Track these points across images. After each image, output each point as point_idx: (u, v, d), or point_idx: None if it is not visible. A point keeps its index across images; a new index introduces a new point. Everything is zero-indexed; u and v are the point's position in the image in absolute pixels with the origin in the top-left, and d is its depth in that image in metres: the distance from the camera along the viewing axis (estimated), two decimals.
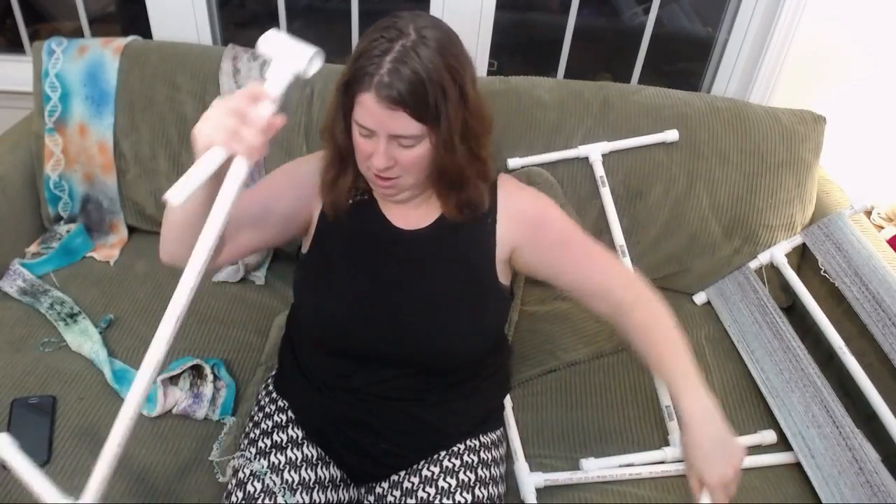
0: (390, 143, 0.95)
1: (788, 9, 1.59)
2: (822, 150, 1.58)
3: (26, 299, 1.47)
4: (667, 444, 1.30)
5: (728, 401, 1.39)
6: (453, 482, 1.08)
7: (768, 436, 1.32)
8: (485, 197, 1.07)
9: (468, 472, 1.11)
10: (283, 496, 1.05)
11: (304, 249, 1.16)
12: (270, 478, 1.07)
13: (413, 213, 1.11)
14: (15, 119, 1.76)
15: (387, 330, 1.08)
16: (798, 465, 1.27)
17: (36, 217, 1.70)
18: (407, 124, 0.93)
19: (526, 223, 1.10)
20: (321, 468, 1.13)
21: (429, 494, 1.07)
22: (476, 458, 1.13)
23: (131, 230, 1.72)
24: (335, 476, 1.14)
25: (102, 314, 1.45)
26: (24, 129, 1.69)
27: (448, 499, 1.06)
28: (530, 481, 1.20)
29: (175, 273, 1.57)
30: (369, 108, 0.92)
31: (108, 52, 1.62)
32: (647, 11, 1.77)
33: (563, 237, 1.11)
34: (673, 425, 1.31)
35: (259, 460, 1.10)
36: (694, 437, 0.96)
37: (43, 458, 1.15)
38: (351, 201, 1.10)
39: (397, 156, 0.96)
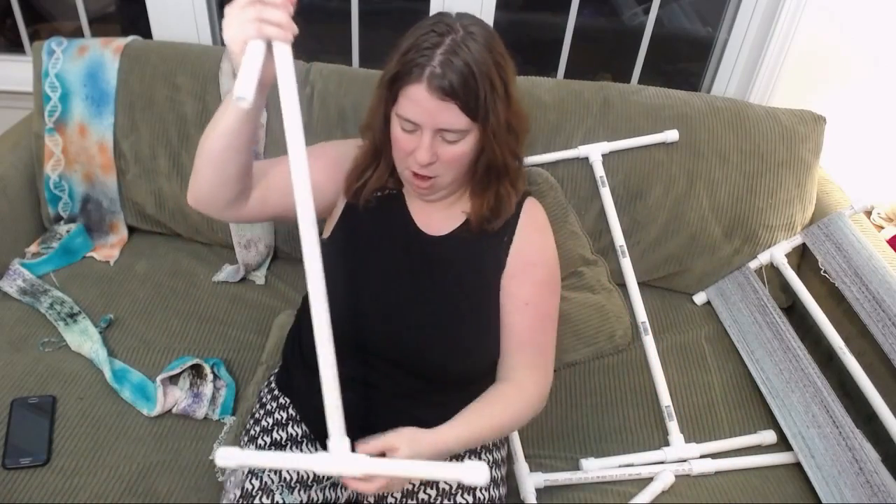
0: (435, 137, 0.96)
1: (788, 9, 1.59)
2: (822, 150, 1.59)
3: (26, 299, 1.47)
4: (667, 444, 1.30)
5: (728, 401, 1.39)
6: (454, 483, 1.08)
7: (768, 436, 1.32)
8: (512, 204, 1.08)
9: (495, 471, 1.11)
10: (280, 494, 1.05)
11: (326, 235, 1.16)
12: (269, 475, 1.07)
13: (437, 216, 1.11)
14: (15, 119, 1.76)
15: (393, 330, 1.08)
16: (798, 466, 1.27)
17: (36, 217, 1.70)
18: (456, 118, 0.94)
19: (525, 257, 1.09)
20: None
21: (430, 496, 1.07)
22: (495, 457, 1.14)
23: (131, 230, 1.72)
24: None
25: (102, 314, 1.45)
26: (24, 129, 1.69)
27: (449, 500, 1.06)
28: (530, 481, 1.20)
29: (175, 273, 1.58)
30: (418, 101, 0.93)
31: (108, 52, 1.62)
32: (647, 11, 1.77)
33: (533, 298, 1.08)
34: (673, 425, 1.31)
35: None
36: (412, 448, 0.94)
37: (42, 458, 1.15)
38: (379, 194, 1.12)
39: (440, 151, 0.98)
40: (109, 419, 1.24)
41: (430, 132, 0.95)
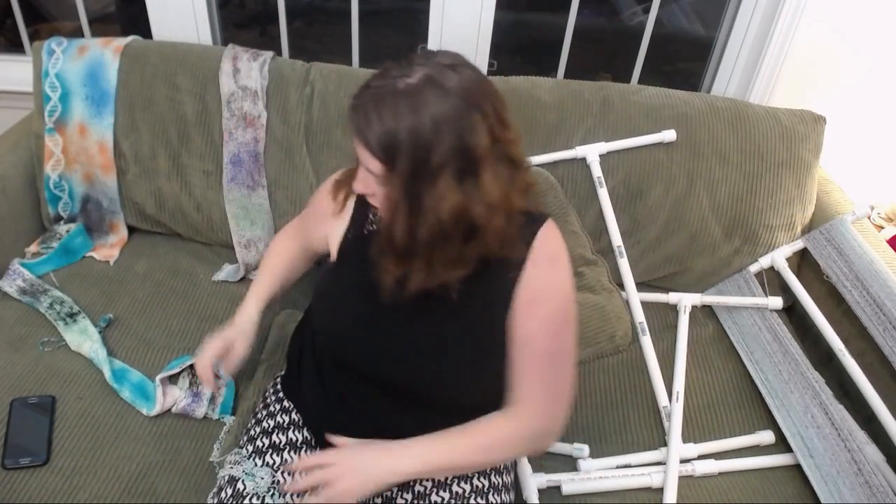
0: (365, 171, 0.90)
1: (788, 9, 1.59)
2: (822, 150, 1.59)
3: (26, 299, 1.47)
4: (665, 444, 1.30)
5: (727, 401, 1.39)
6: (467, 487, 1.08)
7: (766, 436, 1.32)
8: (503, 249, 0.95)
9: (481, 478, 1.10)
10: (271, 497, 1.04)
11: (332, 258, 1.14)
12: (262, 477, 1.07)
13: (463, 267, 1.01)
14: (15, 119, 1.76)
15: (387, 358, 1.04)
16: (798, 467, 1.27)
17: (36, 217, 1.70)
18: (369, 160, 0.86)
19: (531, 294, 0.98)
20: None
21: (443, 499, 1.07)
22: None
23: (131, 230, 1.72)
24: None
25: (102, 314, 1.45)
26: (24, 129, 1.69)
27: (461, 503, 1.06)
28: (533, 482, 1.20)
29: (175, 272, 1.59)
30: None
31: (108, 52, 1.62)
32: (646, 11, 1.77)
33: (538, 334, 0.99)
34: (670, 425, 1.31)
35: (254, 459, 1.10)
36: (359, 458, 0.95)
37: (42, 457, 1.15)
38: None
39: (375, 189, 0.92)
40: (109, 419, 1.24)
41: (362, 164, 0.90)
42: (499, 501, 1.09)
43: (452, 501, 1.06)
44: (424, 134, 0.81)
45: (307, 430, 1.15)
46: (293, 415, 1.17)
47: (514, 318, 0.99)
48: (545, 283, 0.98)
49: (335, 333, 1.08)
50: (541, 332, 0.99)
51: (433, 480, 1.09)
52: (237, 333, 1.16)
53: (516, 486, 1.20)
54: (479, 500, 1.07)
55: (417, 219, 0.86)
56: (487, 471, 1.12)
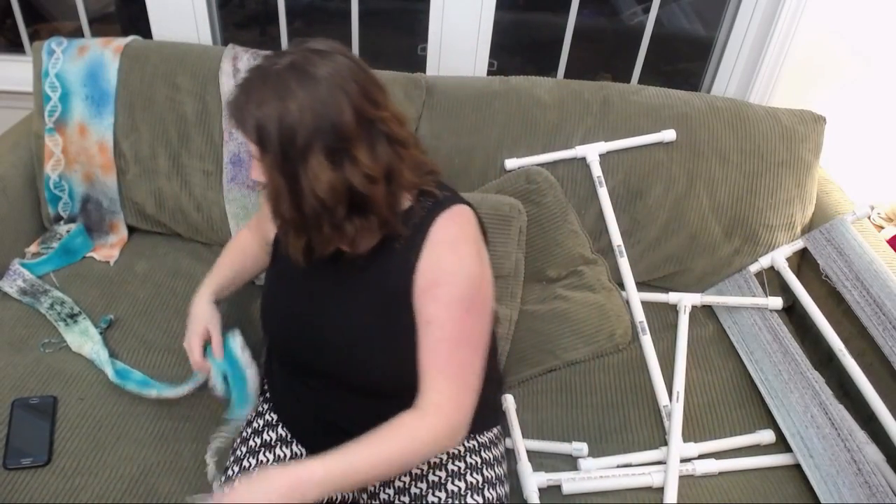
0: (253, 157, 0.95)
1: (788, 9, 1.60)
2: (822, 150, 1.59)
3: (26, 299, 1.47)
4: (665, 444, 1.30)
5: (728, 401, 1.39)
6: (462, 485, 1.09)
7: (766, 435, 1.32)
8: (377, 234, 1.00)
9: (475, 474, 1.11)
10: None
11: (271, 255, 1.20)
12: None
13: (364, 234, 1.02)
14: (15, 119, 1.76)
15: (312, 348, 1.08)
16: (797, 467, 1.27)
17: (36, 217, 1.70)
18: (249, 144, 0.92)
19: (429, 275, 0.99)
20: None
21: (439, 499, 1.07)
22: (479, 459, 1.13)
23: (131, 230, 1.72)
24: None
25: (102, 314, 1.45)
26: (24, 129, 1.69)
27: (459, 501, 1.06)
28: (533, 481, 1.20)
29: (175, 273, 1.58)
30: None
31: (108, 52, 1.62)
32: (646, 11, 1.77)
33: (438, 318, 0.98)
34: (671, 425, 1.31)
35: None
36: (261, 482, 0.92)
37: (44, 458, 1.15)
38: None
39: None
40: (110, 420, 1.24)
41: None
42: (494, 495, 1.10)
43: (449, 501, 1.07)
44: (287, 118, 0.86)
45: (296, 445, 1.16)
46: (280, 430, 1.18)
47: (416, 301, 1.00)
48: (444, 266, 0.98)
49: (273, 329, 1.14)
50: (442, 316, 0.98)
51: (426, 481, 1.09)
52: (205, 321, 1.20)
53: (512, 482, 1.21)
54: (475, 497, 1.08)
55: (299, 197, 0.91)
56: (479, 465, 1.12)
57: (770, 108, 1.60)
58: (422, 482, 1.10)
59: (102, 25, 2.03)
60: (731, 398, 1.40)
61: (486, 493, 1.09)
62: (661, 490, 1.21)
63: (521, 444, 1.27)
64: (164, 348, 1.41)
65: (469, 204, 1.06)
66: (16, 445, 1.16)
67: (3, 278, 1.52)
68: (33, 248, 1.62)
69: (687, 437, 1.31)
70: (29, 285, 1.50)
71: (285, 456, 1.14)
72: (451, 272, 0.98)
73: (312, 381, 1.12)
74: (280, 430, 1.17)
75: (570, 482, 1.21)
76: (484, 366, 1.02)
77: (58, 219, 1.69)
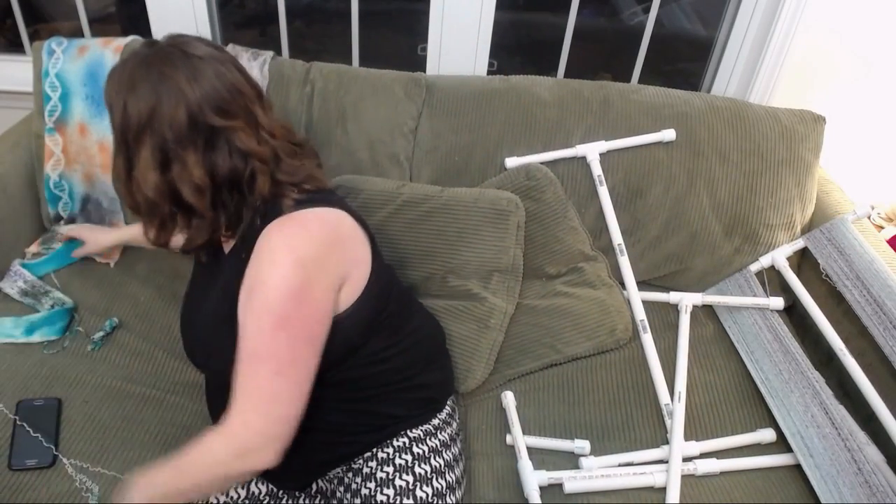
0: None
1: (788, 9, 1.60)
2: (822, 150, 1.59)
3: (27, 300, 1.47)
4: (666, 442, 1.31)
5: (728, 400, 1.40)
6: (410, 479, 1.10)
7: (767, 434, 1.32)
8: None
9: (425, 487, 1.11)
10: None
11: None
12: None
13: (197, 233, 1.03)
14: (15, 119, 1.76)
15: (189, 349, 1.13)
16: (798, 467, 1.27)
17: (36, 217, 1.69)
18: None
19: (247, 281, 0.97)
20: (254, 484, 1.16)
21: (388, 496, 1.08)
22: (430, 446, 1.15)
23: None
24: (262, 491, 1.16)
25: (104, 315, 1.46)
26: (24, 129, 1.69)
27: (409, 499, 1.08)
28: (534, 479, 1.20)
29: (175, 274, 1.58)
30: None
31: (108, 52, 1.62)
32: (646, 11, 1.78)
33: (244, 326, 0.95)
34: (672, 423, 1.32)
35: None
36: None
37: (48, 459, 1.15)
38: None
39: None
40: (114, 423, 1.24)
41: None
42: (444, 484, 1.12)
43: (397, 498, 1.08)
44: (128, 108, 0.92)
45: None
46: None
47: (239, 308, 0.97)
48: (258, 275, 0.94)
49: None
50: (250, 326, 0.94)
51: (394, 488, 1.09)
52: (95, 236, 1.54)
53: (512, 479, 1.22)
54: (424, 489, 1.09)
55: (131, 185, 0.97)
56: (441, 469, 1.13)
57: (770, 107, 1.60)
58: (371, 482, 1.10)
59: (102, 25, 2.03)
60: (732, 398, 1.41)
61: (435, 483, 1.10)
62: (662, 490, 1.22)
63: (522, 441, 1.27)
64: (165, 349, 1.41)
65: (355, 215, 1.07)
66: (20, 446, 1.16)
67: (4, 279, 1.52)
68: (34, 248, 1.62)
69: (688, 435, 1.31)
70: (30, 286, 1.50)
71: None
72: (263, 281, 0.93)
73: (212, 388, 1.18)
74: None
75: (572, 481, 1.21)
76: (302, 395, 0.96)
77: (58, 219, 1.69)
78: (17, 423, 1.19)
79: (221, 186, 0.96)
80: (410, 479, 1.09)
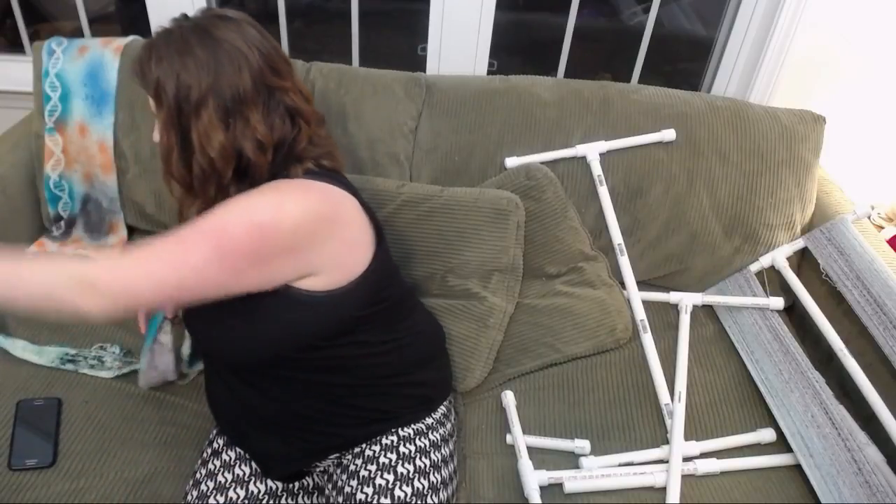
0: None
1: (788, 9, 1.60)
2: (822, 150, 1.59)
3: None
4: (667, 442, 1.31)
5: (728, 400, 1.40)
6: (409, 490, 1.09)
7: (767, 434, 1.32)
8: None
9: (422, 479, 1.11)
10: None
11: None
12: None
13: None
14: (15, 119, 1.76)
15: (198, 334, 1.12)
16: (798, 467, 1.27)
17: (36, 217, 1.69)
18: (149, 100, 0.99)
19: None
20: (253, 484, 1.15)
21: (388, 480, 1.08)
22: (418, 445, 1.15)
23: (131, 230, 1.72)
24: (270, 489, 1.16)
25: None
26: (24, 128, 1.69)
27: (386, 498, 1.07)
28: (534, 479, 1.20)
29: None
30: None
31: (108, 52, 1.62)
32: (646, 11, 1.78)
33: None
34: (672, 423, 1.32)
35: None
36: None
37: (48, 459, 1.15)
38: None
39: None
40: (115, 423, 1.24)
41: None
42: (439, 479, 1.12)
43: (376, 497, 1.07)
44: (184, 74, 0.91)
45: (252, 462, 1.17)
46: (231, 451, 1.18)
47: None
48: (243, 196, 0.93)
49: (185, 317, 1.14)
50: (218, 211, 0.91)
51: (373, 486, 1.08)
52: None
53: (511, 478, 1.22)
54: (422, 480, 1.09)
55: (189, 155, 0.96)
56: (426, 469, 1.12)
57: (770, 107, 1.60)
58: (367, 487, 1.09)
59: (102, 25, 2.03)
60: (732, 397, 1.41)
61: (429, 500, 1.09)
62: (663, 490, 1.22)
63: (522, 441, 1.27)
64: None
65: (355, 195, 1.06)
66: (20, 446, 1.16)
67: None
68: (34, 248, 1.62)
69: (688, 435, 1.31)
70: None
71: (244, 474, 1.16)
72: (246, 198, 0.92)
73: (226, 374, 1.14)
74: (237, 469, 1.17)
75: (573, 481, 1.21)
76: (180, 289, 0.90)
77: (58, 219, 1.69)
78: (17, 423, 1.19)
79: (278, 146, 0.98)
80: (391, 477, 1.08)
